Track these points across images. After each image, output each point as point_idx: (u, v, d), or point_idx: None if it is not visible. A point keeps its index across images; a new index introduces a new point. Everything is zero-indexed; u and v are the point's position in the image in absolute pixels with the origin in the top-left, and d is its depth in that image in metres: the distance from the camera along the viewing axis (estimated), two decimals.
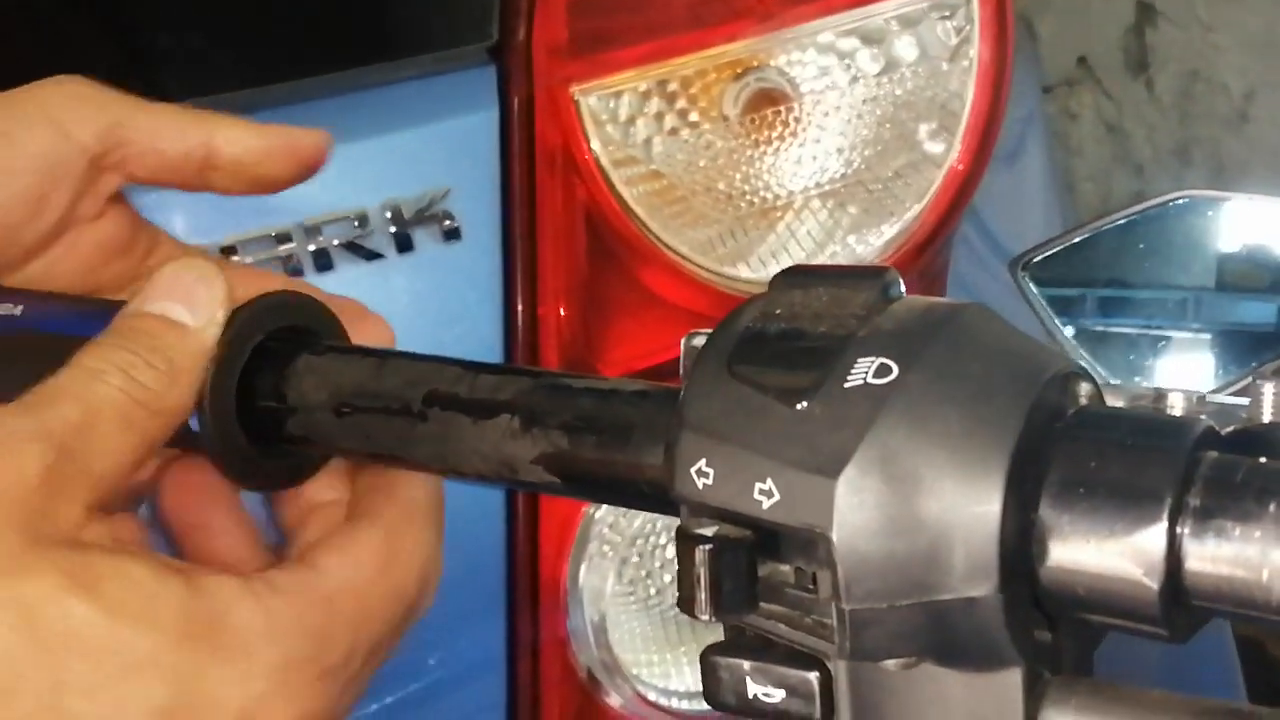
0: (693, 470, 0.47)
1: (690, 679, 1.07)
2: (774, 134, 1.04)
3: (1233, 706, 0.44)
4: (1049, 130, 1.64)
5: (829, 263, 1.06)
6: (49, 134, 0.63)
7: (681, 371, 0.53)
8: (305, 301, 0.63)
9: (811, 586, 0.46)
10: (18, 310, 0.62)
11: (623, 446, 0.52)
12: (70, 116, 0.64)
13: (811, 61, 1.05)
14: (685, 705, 1.07)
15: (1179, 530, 0.43)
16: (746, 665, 0.48)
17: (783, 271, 0.51)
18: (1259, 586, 0.42)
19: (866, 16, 1.05)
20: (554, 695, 1.04)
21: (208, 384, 0.58)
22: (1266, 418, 0.47)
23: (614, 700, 1.06)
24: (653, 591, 1.06)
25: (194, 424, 0.58)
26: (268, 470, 0.62)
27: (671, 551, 1.04)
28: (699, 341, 0.52)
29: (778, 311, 0.49)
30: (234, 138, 0.66)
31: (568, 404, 0.54)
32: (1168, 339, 0.85)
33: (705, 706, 1.06)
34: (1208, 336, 0.83)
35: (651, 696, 1.06)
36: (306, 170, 0.68)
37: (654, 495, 0.51)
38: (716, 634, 1.07)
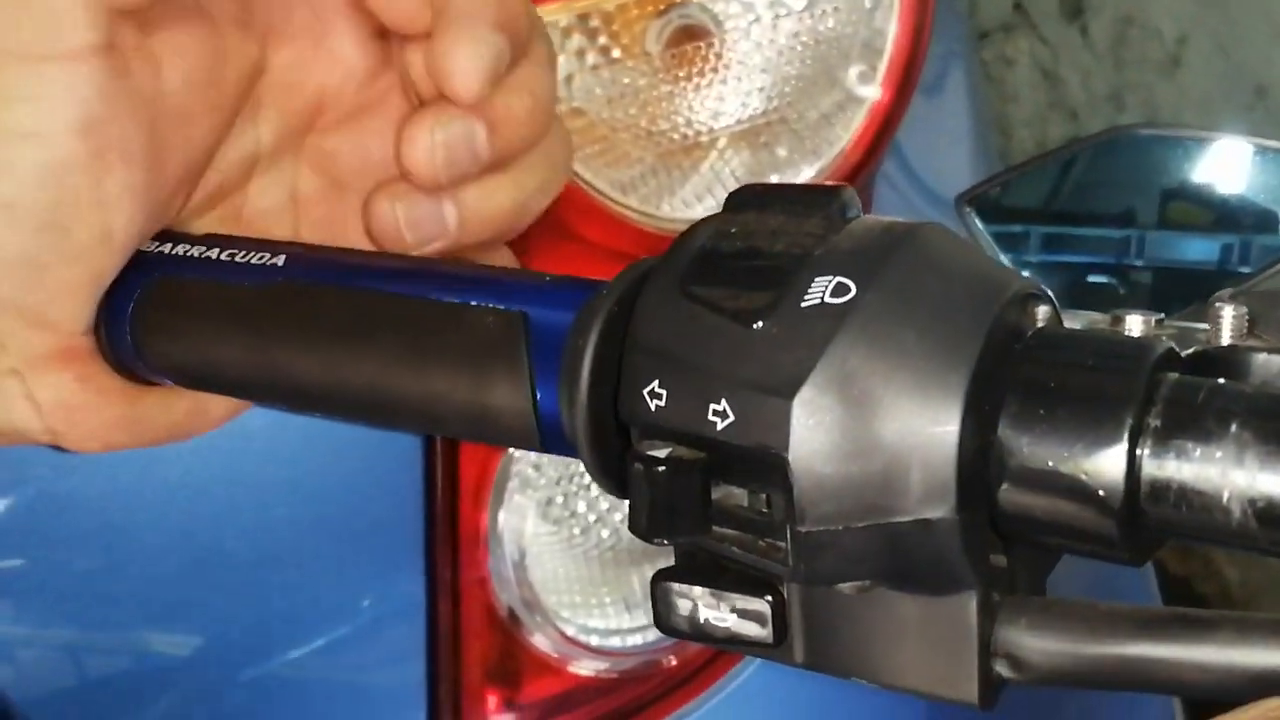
0: (645, 391, 0.46)
1: (614, 618, 1.06)
2: (695, 70, 1.03)
3: (1180, 613, 0.43)
4: (975, 68, 1.65)
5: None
6: None
7: None
8: None
9: (765, 509, 0.45)
10: (280, 261, 0.56)
11: None
12: None
13: None
14: (608, 643, 1.07)
15: (1139, 451, 0.42)
16: (698, 590, 0.47)
17: (737, 190, 0.50)
18: (1219, 508, 0.41)
19: None
20: (475, 636, 1.03)
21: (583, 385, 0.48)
22: (1225, 340, 0.46)
23: (536, 640, 1.05)
24: (576, 531, 1.05)
25: (540, 409, 0.50)
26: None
27: (595, 492, 1.04)
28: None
29: (733, 231, 0.48)
30: None
31: None
32: (1112, 275, 0.85)
33: (627, 644, 1.07)
34: (1150, 274, 0.83)
35: (573, 634, 1.06)
36: None
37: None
38: (639, 572, 1.07)
